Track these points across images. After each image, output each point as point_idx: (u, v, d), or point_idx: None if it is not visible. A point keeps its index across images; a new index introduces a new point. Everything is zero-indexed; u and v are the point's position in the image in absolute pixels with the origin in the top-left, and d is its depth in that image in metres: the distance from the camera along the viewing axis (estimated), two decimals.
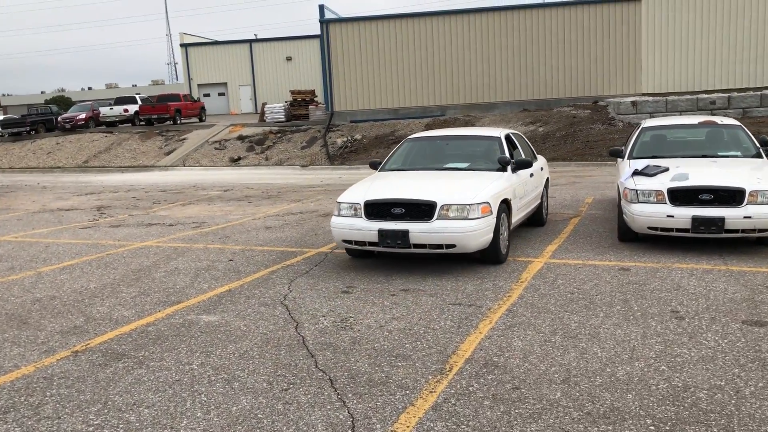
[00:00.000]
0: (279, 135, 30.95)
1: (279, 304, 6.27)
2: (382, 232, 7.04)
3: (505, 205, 7.67)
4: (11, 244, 10.19)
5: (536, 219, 9.77)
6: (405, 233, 6.94)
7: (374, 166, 9.06)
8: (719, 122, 9.59)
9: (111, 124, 35.50)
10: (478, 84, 30.48)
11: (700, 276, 6.66)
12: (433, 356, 4.77)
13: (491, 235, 7.20)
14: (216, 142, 31.05)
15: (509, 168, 8.19)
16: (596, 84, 29.93)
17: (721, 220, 7.34)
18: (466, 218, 6.93)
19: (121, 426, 3.89)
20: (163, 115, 34.87)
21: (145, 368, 4.79)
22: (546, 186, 10.27)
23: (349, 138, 28.89)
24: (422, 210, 7.04)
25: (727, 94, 25.79)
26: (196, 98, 42.38)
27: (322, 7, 30.77)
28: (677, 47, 29.88)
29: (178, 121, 35.38)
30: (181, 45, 50.67)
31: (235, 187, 17.85)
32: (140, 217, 12.70)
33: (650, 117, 25.42)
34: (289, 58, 49.22)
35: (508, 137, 9.05)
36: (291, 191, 16.24)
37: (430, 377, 4.40)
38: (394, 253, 7.60)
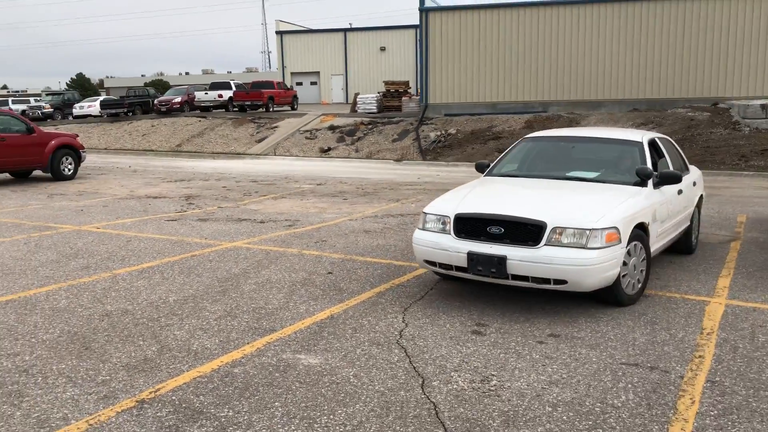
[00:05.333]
0: (370, 126, 29.87)
1: (395, 345, 4.95)
2: (472, 256, 5.58)
3: (642, 231, 6.01)
4: (92, 236, 9.35)
5: (682, 246, 7.80)
6: (502, 260, 5.45)
7: (481, 168, 7.57)
8: None
9: (205, 109, 35.43)
10: (585, 80, 28.35)
11: None
12: None
13: (617, 270, 5.53)
14: (307, 131, 30.26)
15: (650, 182, 6.49)
16: (716, 84, 27.18)
17: None
18: (584, 247, 5.36)
19: None
20: (257, 102, 34.40)
21: None
22: (699, 206, 8.33)
23: (443, 132, 27.44)
24: (527, 231, 5.52)
25: None
26: (289, 86, 41.90)
27: None
28: None
29: (271, 109, 34.85)
30: (277, 32, 50.46)
31: (328, 180, 16.75)
32: (230, 210, 11.72)
33: None
34: (383, 49, 48.10)
35: (652, 143, 7.32)
36: (387, 188, 14.97)
37: None
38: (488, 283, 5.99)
